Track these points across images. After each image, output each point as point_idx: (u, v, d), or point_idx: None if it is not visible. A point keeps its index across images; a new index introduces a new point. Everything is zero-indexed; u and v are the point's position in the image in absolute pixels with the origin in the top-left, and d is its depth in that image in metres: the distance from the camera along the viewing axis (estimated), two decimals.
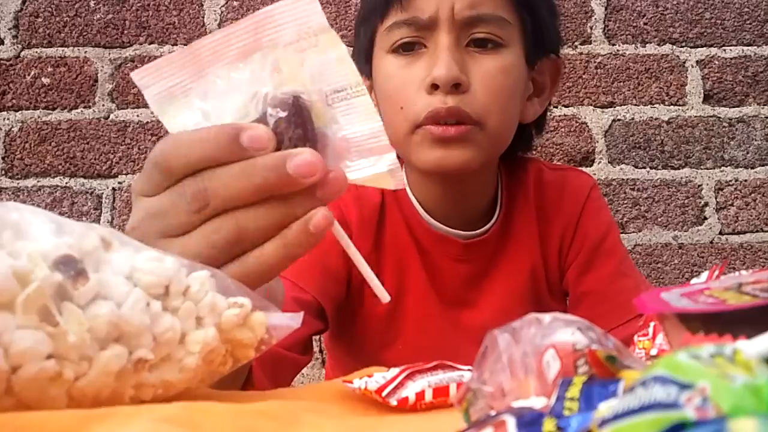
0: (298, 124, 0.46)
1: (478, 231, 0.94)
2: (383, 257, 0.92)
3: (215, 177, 0.45)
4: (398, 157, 1.01)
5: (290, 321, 0.43)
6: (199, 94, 0.49)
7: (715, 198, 1.38)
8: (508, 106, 0.87)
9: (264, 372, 0.70)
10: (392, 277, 0.92)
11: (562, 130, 1.37)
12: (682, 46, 1.40)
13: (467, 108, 0.81)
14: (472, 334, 0.91)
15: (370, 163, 0.49)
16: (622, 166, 1.38)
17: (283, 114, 0.46)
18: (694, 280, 0.50)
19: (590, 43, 1.40)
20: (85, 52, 1.34)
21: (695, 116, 1.39)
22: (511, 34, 0.86)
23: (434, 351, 0.92)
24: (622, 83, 1.39)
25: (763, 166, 1.40)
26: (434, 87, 0.81)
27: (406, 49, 0.85)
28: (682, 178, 1.38)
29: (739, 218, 1.38)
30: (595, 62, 1.39)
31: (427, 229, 0.93)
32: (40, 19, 1.34)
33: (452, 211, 0.93)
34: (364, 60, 0.91)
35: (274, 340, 0.43)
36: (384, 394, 0.45)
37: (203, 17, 1.36)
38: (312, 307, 0.86)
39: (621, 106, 1.39)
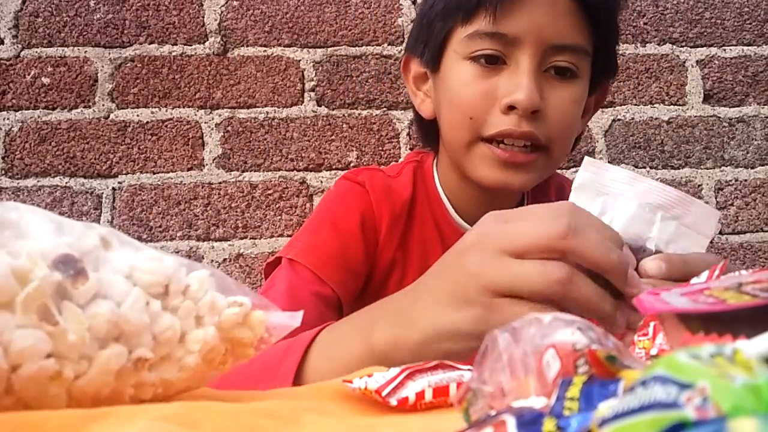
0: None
1: None
2: (409, 253, 0.92)
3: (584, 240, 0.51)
4: (427, 150, 1.02)
5: (289, 320, 0.43)
6: (608, 198, 0.63)
7: (715, 198, 1.38)
8: (572, 134, 0.90)
9: None
10: (416, 274, 0.91)
11: None
12: (682, 46, 1.40)
13: (540, 134, 0.82)
14: None
15: None
16: (622, 165, 1.38)
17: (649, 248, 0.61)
18: (694, 280, 0.50)
19: None
20: (85, 51, 1.35)
21: (695, 116, 1.39)
22: (585, 65, 0.87)
23: None
24: (622, 83, 1.39)
25: (763, 165, 1.40)
26: (511, 108, 0.81)
27: (488, 60, 0.84)
28: (682, 177, 1.38)
29: (739, 218, 1.38)
30: None
31: (456, 229, 0.93)
32: (40, 19, 1.34)
33: (481, 213, 0.92)
34: (432, 54, 0.90)
35: (273, 338, 0.43)
36: (384, 393, 0.45)
37: (203, 17, 1.36)
38: (332, 301, 0.86)
39: (621, 105, 1.39)
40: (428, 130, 0.96)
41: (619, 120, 1.39)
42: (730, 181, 1.39)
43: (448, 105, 0.88)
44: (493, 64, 0.84)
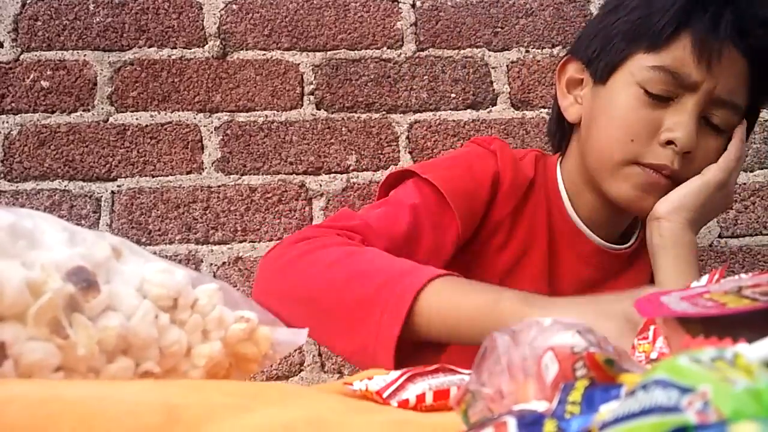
0: None
1: (613, 245, 0.99)
2: (517, 224, 0.97)
3: None
4: (553, 143, 1.06)
5: (294, 337, 0.43)
6: None
7: None
8: None
9: None
10: (518, 246, 0.97)
11: None
12: None
13: (684, 172, 0.89)
14: None
15: None
16: None
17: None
18: (694, 284, 0.50)
19: None
20: (85, 55, 1.35)
21: None
22: (735, 122, 0.92)
23: None
24: None
25: (762, 169, 1.40)
26: (669, 143, 0.87)
27: (660, 96, 0.89)
28: None
29: (739, 221, 1.38)
30: None
31: (566, 219, 0.98)
32: (39, 23, 1.34)
33: (598, 216, 0.98)
34: (603, 65, 0.93)
35: (278, 356, 0.43)
36: (385, 395, 0.45)
37: (202, 21, 1.36)
38: (447, 239, 0.91)
39: None
40: (564, 132, 1.01)
41: None
42: None
43: (608, 120, 0.92)
44: (663, 98, 0.89)
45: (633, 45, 0.90)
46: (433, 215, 0.90)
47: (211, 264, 1.31)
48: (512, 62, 1.39)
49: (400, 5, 1.38)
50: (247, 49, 1.36)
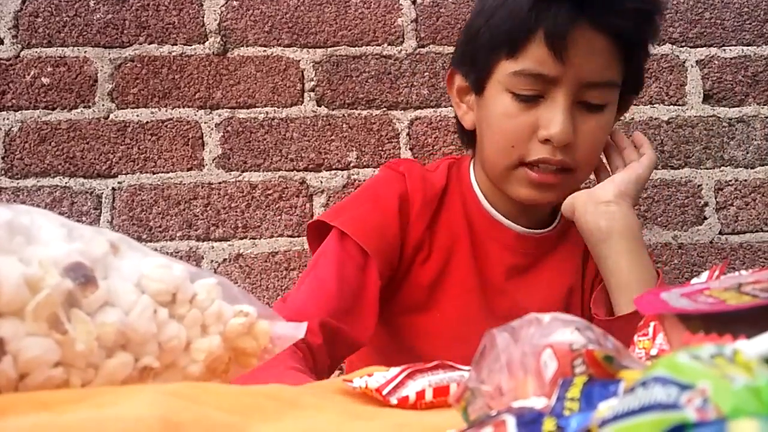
0: None
1: (532, 230, 1.03)
2: (436, 234, 1.01)
3: None
4: (465, 151, 1.12)
5: (294, 330, 0.43)
6: None
7: (715, 198, 1.38)
8: (597, 155, 1.00)
9: None
10: (441, 252, 1.01)
11: None
12: (681, 46, 1.40)
13: (570, 160, 0.93)
14: (503, 323, 0.97)
15: None
16: None
17: None
18: (694, 280, 0.50)
19: None
20: (85, 51, 1.34)
21: (695, 116, 1.39)
22: (614, 95, 0.96)
23: (466, 327, 0.98)
24: None
25: (762, 165, 1.40)
26: (547, 140, 0.91)
27: (528, 97, 0.93)
28: (681, 177, 1.38)
29: (739, 218, 1.38)
30: None
31: (484, 213, 1.02)
32: (39, 19, 1.34)
33: (513, 210, 1.02)
34: (476, 78, 0.98)
35: (277, 349, 0.43)
36: (385, 392, 0.45)
37: (203, 17, 1.36)
38: (373, 273, 0.95)
39: None
40: (468, 137, 1.05)
41: (618, 120, 1.39)
42: (730, 181, 1.39)
43: (489, 130, 0.97)
44: (532, 99, 0.93)
45: (495, 54, 0.94)
46: (353, 259, 0.94)
47: (212, 261, 1.31)
48: None
49: (401, 2, 1.38)
50: (247, 46, 1.36)
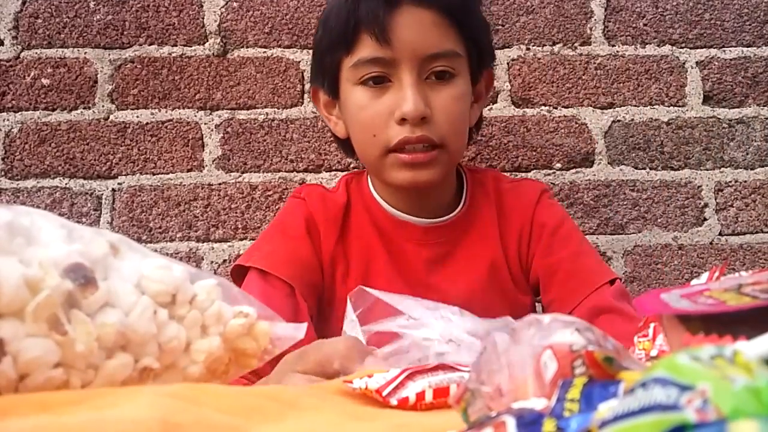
0: None
1: (438, 219, 1.06)
2: (349, 247, 1.05)
3: None
4: (361, 170, 1.14)
5: (294, 331, 0.43)
6: None
7: (715, 199, 1.38)
8: (463, 126, 1.02)
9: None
10: (359, 263, 1.05)
11: (562, 131, 1.37)
12: (681, 47, 1.40)
13: (432, 135, 0.95)
14: None
15: None
16: (622, 167, 1.38)
17: None
18: (694, 281, 0.50)
19: (590, 44, 1.40)
20: (85, 53, 1.34)
21: (695, 117, 1.39)
22: (461, 64, 1.00)
23: None
24: (621, 84, 1.39)
25: (762, 167, 1.40)
26: (404, 120, 0.94)
27: (375, 81, 0.97)
28: (681, 179, 1.38)
29: (739, 219, 1.38)
30: (594, 63, 1.39)
31: (389, 217, 1.05)
32: (39, 20, 1.34)
33: (414, 205, 1.05)
34: (329, 84, 1.04)
35: (277, 350, 0.43)
36: (384, 393, 0.45)
37: (203, 18, 1.36)
38: (300, 297, 0.98)
39: (621, 107, 1.39)
40: (348, 147, 1.08)
41: (618, 121, 1.39)
42: (730, 182, 1.39)
43: (353, 127, 1.02)
44: (381, 84, 0.97)
45: (336, 55, 1.00)
46: (279, 290, 0.97)
47: (212, 262, 1.31)
48: (513, 60, 1.39)
49: None
50: (247, 47, 1.36)
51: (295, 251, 1.02)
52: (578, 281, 1.01)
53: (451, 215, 1.06)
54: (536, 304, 1.12)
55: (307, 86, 1.35)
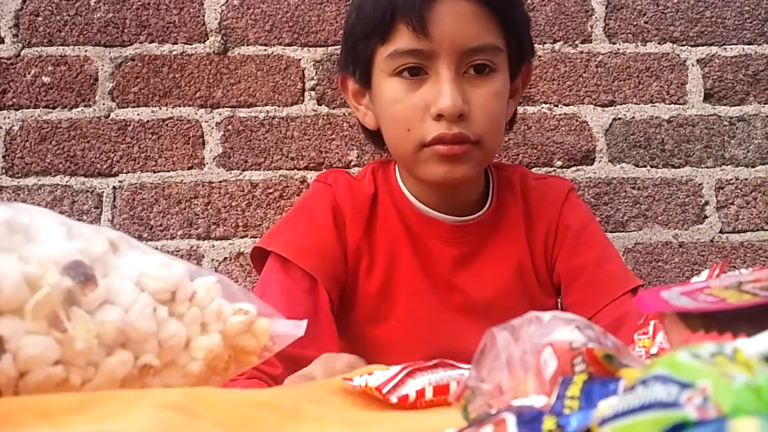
0: None
1: (466, 217, 1.03)
2: (374, 241, 1.02)
3: None
4: (388, 159, 1.11)
5: (294, 328, 0.43)
6: None
7: (716, 197, 1.38)
8: (500, 124, 0.98)
9: None
10: (384, 258, 1.01)
11: (563, 129, 1.37)
12: (682, 45, 1.40)
13: (468, 132, 0.91)
14: (461, 316, 0.99)
15: None
16: (623, 164, 1.38)
17: None
18: (694, 279, 0.50)
19: (590, 42, 1.39)
20: (86, 50, 1.34)
21: (696, 115, 1.39)
22: (501, 59, 0.96)
23: (424, 329, 0.99)
24: (622, 82, 1.39)
25: (763, 164, 1.39)
26: (440, 116, 0.90)
27: (411, 73, 0.92)
28: (682, 176, 1.38)
29: (740, 217, 1.38)
30: (595, 61, 1.39)
31: (417, 213, 1.02)
32: (40, 18, 1.34)
33: (443, 201, 1.02)
34: (361, 73, 0.99)
35: (277, 347, 0.43)
36: (384, 391, 0.45)
37: (203, 16, 1.36)
38: (321, 292, 0.95)
39: (621, 104, 1.39)
40: (377, 139, 1.05)
41: (619, 119, 1.38)
42: (731, 179, 1.39)
43: (385, 119, 0.97)
44: (417, 76, 0.92)
45: (370, 44, 0.95)
46: (299, 284, 0.94)
47: (213, 259, 1.31)
48: None
49: None
50: (248, 45, 1.36)
51: (320, 241, 0.98)
52: (600, 287, 0.99)
53: (479, 213, 1.03)
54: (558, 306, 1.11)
55: (308, 84, 1.35)
